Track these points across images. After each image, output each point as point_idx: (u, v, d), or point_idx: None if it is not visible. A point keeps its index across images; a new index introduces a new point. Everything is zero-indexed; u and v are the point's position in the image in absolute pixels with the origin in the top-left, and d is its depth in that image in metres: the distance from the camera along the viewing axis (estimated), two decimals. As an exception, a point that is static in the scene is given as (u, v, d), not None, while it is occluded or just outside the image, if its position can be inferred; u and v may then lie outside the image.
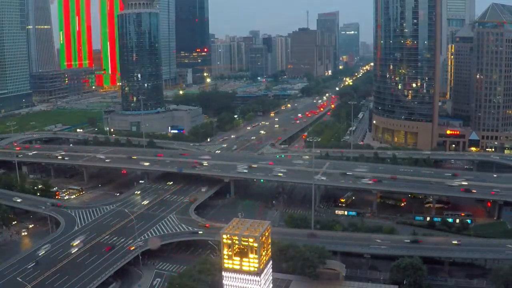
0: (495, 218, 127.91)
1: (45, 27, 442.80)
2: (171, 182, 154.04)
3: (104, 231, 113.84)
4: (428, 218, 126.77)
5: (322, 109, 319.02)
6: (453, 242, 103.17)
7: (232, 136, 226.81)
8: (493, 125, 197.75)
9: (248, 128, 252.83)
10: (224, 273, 73.39)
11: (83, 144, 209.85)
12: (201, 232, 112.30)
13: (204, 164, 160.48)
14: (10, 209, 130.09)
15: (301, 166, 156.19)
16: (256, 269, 71.46)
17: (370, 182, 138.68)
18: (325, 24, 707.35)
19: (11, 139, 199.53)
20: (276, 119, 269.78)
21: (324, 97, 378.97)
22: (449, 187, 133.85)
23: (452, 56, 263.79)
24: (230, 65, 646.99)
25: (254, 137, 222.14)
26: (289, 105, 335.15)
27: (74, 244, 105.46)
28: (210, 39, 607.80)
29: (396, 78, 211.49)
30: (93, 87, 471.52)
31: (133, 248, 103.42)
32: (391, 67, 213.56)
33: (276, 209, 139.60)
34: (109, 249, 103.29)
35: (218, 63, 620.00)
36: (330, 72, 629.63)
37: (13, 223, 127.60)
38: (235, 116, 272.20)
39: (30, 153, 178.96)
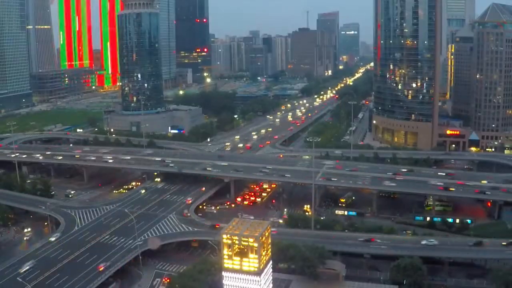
0: (495, 218, 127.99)
1: (45, 27, 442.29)
2: (159, 179, 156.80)
3: (104, 231, 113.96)
4: (428, 218, 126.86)
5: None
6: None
7: None
8: (493, 125, 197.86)
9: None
10: (224, 273, 73.45)
11: (83, 144, 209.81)
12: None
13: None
14: (10, 209, 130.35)
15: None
16: (256, 269, 71.52)
17: None
18: (325, 24, 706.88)
19: (11, 139, 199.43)
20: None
21: (317, 100, 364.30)
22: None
23: (452, 56, 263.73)
24: (230, 65, 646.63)
25: None
26: (289, 105, 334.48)
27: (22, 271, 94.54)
28: (210, 39, 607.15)
29: (396, 78, 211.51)
30: (93, 87, 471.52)
31: (101, 268, 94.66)
32: (391, 67, 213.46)
33: (276, 209, 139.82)
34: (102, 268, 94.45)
35: (218, 63, 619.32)
36: (330, 72, 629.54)
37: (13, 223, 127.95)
38: (235, 116, 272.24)
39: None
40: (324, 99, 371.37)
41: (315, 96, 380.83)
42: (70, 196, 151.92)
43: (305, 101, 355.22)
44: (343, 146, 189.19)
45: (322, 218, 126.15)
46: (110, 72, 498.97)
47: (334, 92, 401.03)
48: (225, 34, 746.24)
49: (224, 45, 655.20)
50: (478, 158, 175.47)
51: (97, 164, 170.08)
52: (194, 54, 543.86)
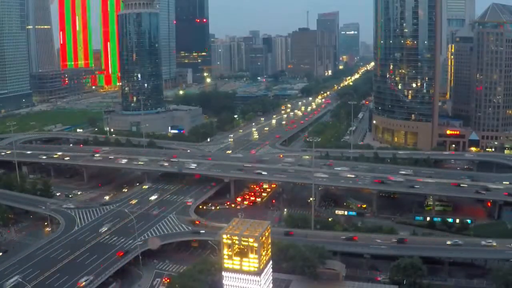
0: (495, 218, 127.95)
1: (45, 27, 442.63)
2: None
3: (104, 232, 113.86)
4: (428, 218, 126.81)
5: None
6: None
7: None
8: (493, 125, 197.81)
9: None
10: (224, 273, 73.42)
11: (83, 144, 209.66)
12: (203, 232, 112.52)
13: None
14: (10, 209, 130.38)
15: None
16: (256, 269, 71.49)
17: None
18: (325, 24, 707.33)
19: (11, 139, 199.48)
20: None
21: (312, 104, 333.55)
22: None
23: (452, 56, 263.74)
24: (230, 65, 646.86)
25: None
26: (289, 105, 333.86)
27: None
28: (210, 39, 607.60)
29: (396, 78, 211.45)
30: (93, 87, 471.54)
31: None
32: (391, 67, 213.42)
33: (276, 209, 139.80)
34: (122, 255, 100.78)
35: (218, 63, 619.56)
36: (330, 72, 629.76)
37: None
38: (235, 116, 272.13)
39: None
40: (314, 106, 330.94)
41: (300, 106, 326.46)
42: (71, 196, 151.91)
43: (288, 109, 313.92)
44: (343, 146, 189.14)
45: (329, 219, 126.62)
46: (110, 72, 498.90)
47: (323, 98, 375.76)
48: (225, 34, 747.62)
49: (224, 45, 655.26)
50: (478, 158, 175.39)
51: (97, 164, 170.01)
52: (194, 54, 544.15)
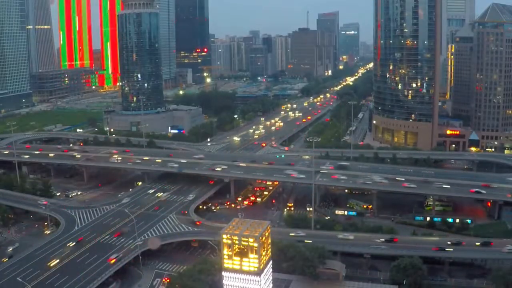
0: (495, 218, 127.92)
1: (45, 27, 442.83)
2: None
3: (104, 231, 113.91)
4: (428, 218, 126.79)
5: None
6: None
7: None
8: (493, 125, 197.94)
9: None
10: (224, 273, 73.46)
11: (83, 144, 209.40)
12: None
13: None
14: (10, 209, 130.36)
15: None
16: (256, 269, 71.53)
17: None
18: (325, 24, 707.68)
19: (11, 139, 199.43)
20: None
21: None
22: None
23: (452, 56, 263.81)
24: (230, 65, 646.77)
25: None
26: (289, 105, 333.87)
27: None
28: (210, 39, 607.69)
29: (396, 78, 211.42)
30: (93, 87, 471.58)
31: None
32: (391, 67, 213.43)
33: (276, 209, 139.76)
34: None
35: (218, 63, 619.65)
36: (330, 72, 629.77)
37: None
38: (235, 116, 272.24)
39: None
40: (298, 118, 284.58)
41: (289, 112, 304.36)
42: (71, 196, 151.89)
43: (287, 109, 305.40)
44: (343, 146, 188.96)
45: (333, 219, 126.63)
46: (110, 72, 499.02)
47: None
48: (225, 34, 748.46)
49: (224, 45, 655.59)
50: (478, 158, 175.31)
51: (97, 164, 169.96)
52: (194, 54, 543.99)
